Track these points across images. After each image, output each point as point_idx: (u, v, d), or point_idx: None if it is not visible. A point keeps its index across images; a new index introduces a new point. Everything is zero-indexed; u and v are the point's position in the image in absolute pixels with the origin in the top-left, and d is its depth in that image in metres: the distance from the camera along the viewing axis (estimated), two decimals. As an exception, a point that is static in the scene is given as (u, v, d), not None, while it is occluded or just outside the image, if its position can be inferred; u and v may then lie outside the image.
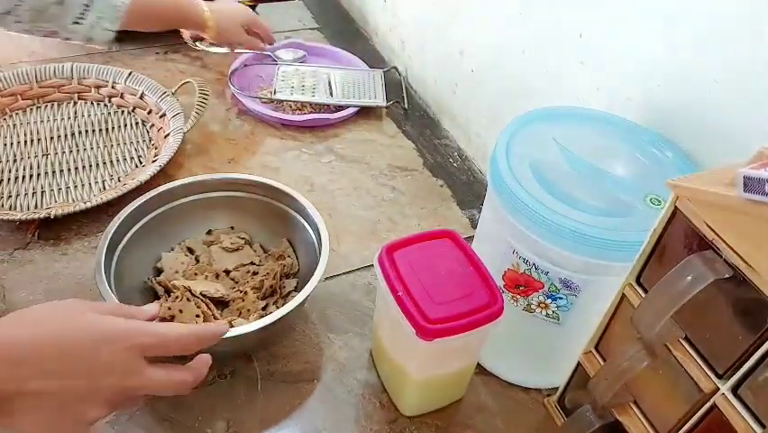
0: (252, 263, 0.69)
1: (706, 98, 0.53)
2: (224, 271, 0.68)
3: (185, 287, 0.62)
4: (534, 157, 0.54)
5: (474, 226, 0.81)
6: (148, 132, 0.89)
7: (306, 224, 0.68)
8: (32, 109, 0.90)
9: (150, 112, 0.90)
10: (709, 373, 0.40)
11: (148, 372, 0.41)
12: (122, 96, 0.92)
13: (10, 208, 0.76)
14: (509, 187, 0.50)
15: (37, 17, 0.71)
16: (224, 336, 0.54)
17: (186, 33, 1.01)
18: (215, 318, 0.61)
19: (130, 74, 0.92)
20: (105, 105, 0.93)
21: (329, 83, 1.00)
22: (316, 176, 0.86)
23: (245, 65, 1.03)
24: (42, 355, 0.38)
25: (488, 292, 0.52)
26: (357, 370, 0.63)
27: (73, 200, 0.78)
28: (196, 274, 0.66)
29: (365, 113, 0.98)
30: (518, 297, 0.56)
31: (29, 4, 0.69)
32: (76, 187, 0.80)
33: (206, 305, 0.62)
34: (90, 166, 0.83)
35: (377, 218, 0.81)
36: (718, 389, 0.39)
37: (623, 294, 0.46)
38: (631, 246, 0.45)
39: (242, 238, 0.71)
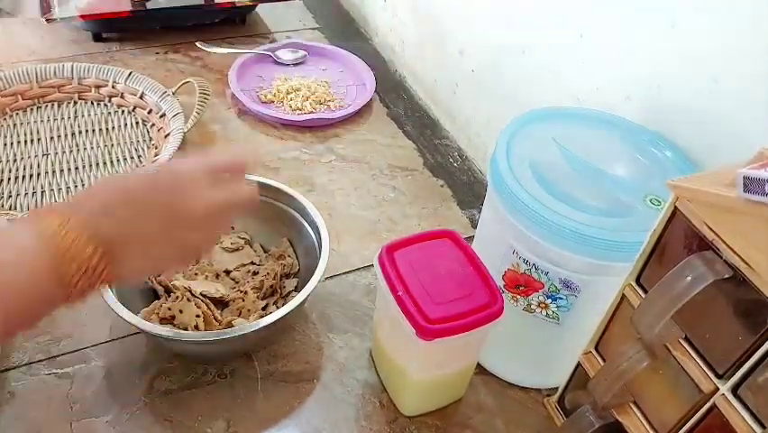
0: (252, 263, 0.69)
1: (706, 98, 0.53)
2: (225, 272, 0.68)
3: (185, 287, 0.62)
4: (534, 157, 0.54)
5: (474, 226, 0.81)
6: (148, 131, 0.89)
7: (306, 224, 0.68)
8: (32, 109, 0.90)
9: (150, 112, 0.90)
10: (709, 373, 0.40)
11: (207, 201, 0.44)
12: (122, 96, 0.92)
13: (10, 208, 0.76)
14: (509, 187, 0.50)
15: None
16: (225, 337, 0.55)
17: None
18: (216, 319, 0.61)
19: (130, 74, 0.92)
20: (106, 104, 0.93)
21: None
22: (316, 176, 0.86)
23: (245, 65, 1.03)
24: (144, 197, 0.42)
25: (488, 292, 0.53)
26: (357, 370, 0.63)
27: (73, 200, 0.78)
28: (196, 274, 0.67)
29: (365, 113, 0.99)
30: (518, 297, 0.56)
31: None
32: (76, 186, 0.80)
33: (207, 305, 0.62)
34: (90, 166, 0.83)
35: (377, 218, 0.81)
36: (718, 389, 0.39)
37: (623, 294, 0.46)
38: (631, 246, 0.45)
39: (243, 238, 0.71)
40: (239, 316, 0.63)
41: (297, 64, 1.06)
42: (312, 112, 0.96)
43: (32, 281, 0.37)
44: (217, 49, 1.02)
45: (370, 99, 0.99)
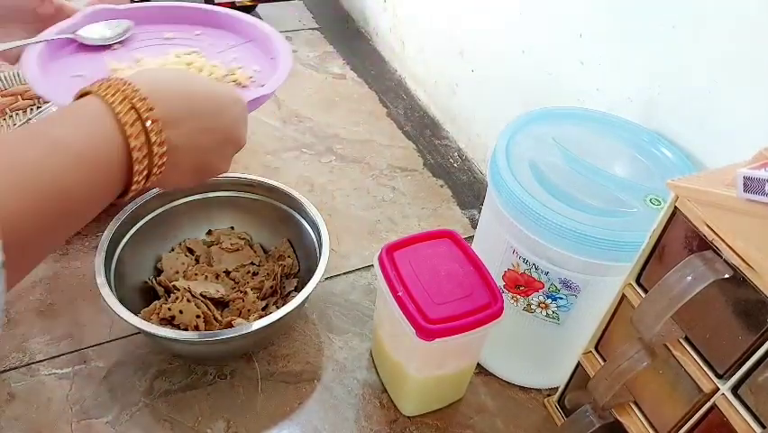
0: (252, 264, 0.69)
1: (706, 98, 0.53)
2: (224, 272, 0.68)
3: (185, 288, 0.62)
4: (534, 157, 0.54)
5: (474, 226, 0.81)
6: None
7: (306, 224, 0.68)
8: (32, 109, 0.90)
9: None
10: (709, 373, 0.40)
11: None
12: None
13: (10, 208, 0.75)
14: (509, 187, 0.50)
15: None
16: (225, 337, 0.55)
17: None
18: (216, 319, 0.61)
19: (130, 74, 0.91)
20: (105, 105, 0.92)
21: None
22: (316, 176, 0.86)
23: (46, 62, 0.67)
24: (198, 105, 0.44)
25: (488, 292, 0.53)
26: (357, 370, 0.63)
27: (73, 200, 0.78)
28: (196, 275, 0.67)
29: (367, 114, 0.98)
30: (518, 297, 0.56)
31: None
32: (76, 187, 0.80)
33: (206, 305, 0.62)
34: (90, 166, 0.83)
35: (377, 218, 0.81)
36: (718, 389, 0.39)
37: (623, 294, 0.46)
38: (631, 246, 0.45)
39: (243, 238, 0.71)
40: (239, 316, 0.63)
41: (122, 42, 0.72)
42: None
43: (106, 158, 0.38)
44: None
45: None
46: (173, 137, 0.41)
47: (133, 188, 0.40)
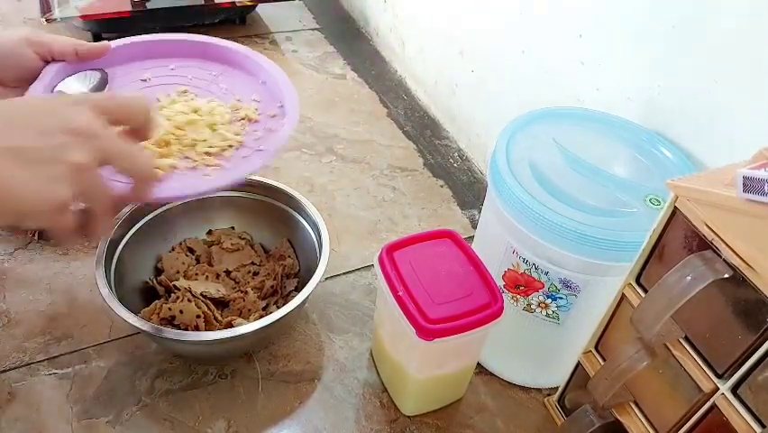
0: (253, 264, 0.69)
1: (706, 98, 0.53)
2: (225, 272, 0.68)
3: (185, 288, 0.62)
4: (534, 157, 0.54)
5: (474, 226, 0.81)
6: (148, 132, 0.89)
7: (306, 224, 0.68)
8: (32, 109, 0.90)
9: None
10: (709, 372, 0.40)
11: (111, 130, 0.38)
12: (122, 97, 0.92)
13: (10, 208, 0.76)
14: (509, 187, 0.50)
15: None
16: (225, 337, 0.55)
17: None
18: (216, 319, 0.61)
19: (130, 74, 0.91)
20: (106, 105, 0.92)
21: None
22: (317, 176, 0.86)
23: None
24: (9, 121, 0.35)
25: (488, 292, 0.53)
26: (357, 370, 0.63)
27: (73, 200, 0.78)
28: (196, 274, 0.67)
29: (367, 114, 0.99)
30: (518, 297, 0.56)
31: None
32: (76, 187, 0.80)
33: (207, 305, 0.62)
34: (90, 166, 0.83)
35: (377, 218, 0.81)
36: (718, 389, 0.39)
37: (623, 294, 0.46)
38: (631, 246, 0.45)
39: (243, 238, 0.71)
40: (239, 316, 0.63)
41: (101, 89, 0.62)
42: (219, 164, 0.55)
43: None
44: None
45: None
46: None
47: None
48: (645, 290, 0.44)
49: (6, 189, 0.35)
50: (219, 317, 0.62)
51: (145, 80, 0.63)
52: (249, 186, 0.70)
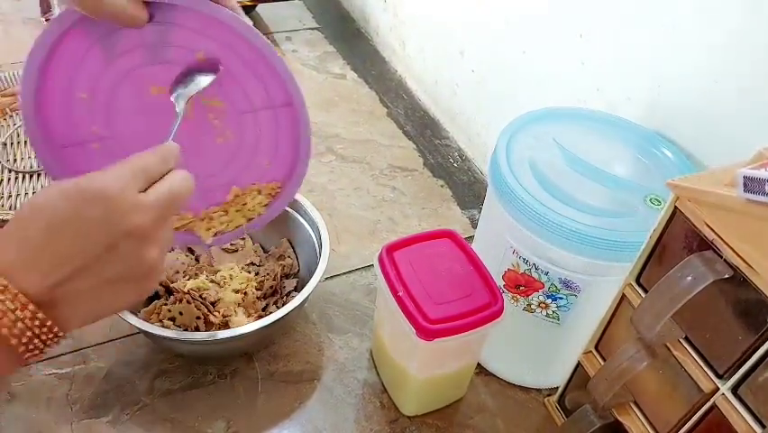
0: (252, 264, 0.69)
1: (706, 98, 0.53)
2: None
3: (184, 291, 0.62)
4: (534, 157, 0.54)
5: (474, 226, 0.81)
6: (148, 132, 0.89)
7: (306, 224, 0.68)
8: (32, 109, 0.90)
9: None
10: (709, 373, 0.40)
11: (157, 215, 0.37)
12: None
13: (10, 208, 0.76)
14: (509, 187, 0.50)
15: None
16: (224, 337, 0.55)
17: None
18: (216, 319, 0.61)
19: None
20: (106, 105, 0.92)
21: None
22: (317, 176, 0.86)
23: None
24: (58, 248, 0.34)
25: (488, 292, 0.53)
26: (357, 370, 0.63)
27: (73, 200, 0.78)
28: (196, 274, 0.67)
29: (367, 114, 0.98)
30: (518, 297, 0.56)
31: None
32: (76, 187, 0.80)
33: (206, 306, 0.62)
34: (90, 166, 0.83)
35: (377, 218, 0.81)
36: (718, 389, 0.39)
37: (623, 294, 0.46)
38: (631, 246, 0.45)
39: (243, 238, 0.71)
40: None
41: None
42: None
43: None
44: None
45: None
46: (41, 280, 0.33)
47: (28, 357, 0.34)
48: (645, 290, 0.44)
49: (109, 311, 0.37)
50: (219, 318, 0.62)
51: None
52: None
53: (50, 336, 0.34)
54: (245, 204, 0.56)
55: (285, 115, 0.52)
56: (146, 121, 0.51)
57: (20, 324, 0.32)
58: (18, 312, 0.32)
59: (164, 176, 0.39)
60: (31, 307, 0.32)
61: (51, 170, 0.52)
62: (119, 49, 0.47)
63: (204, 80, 0.48)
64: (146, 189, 0.37)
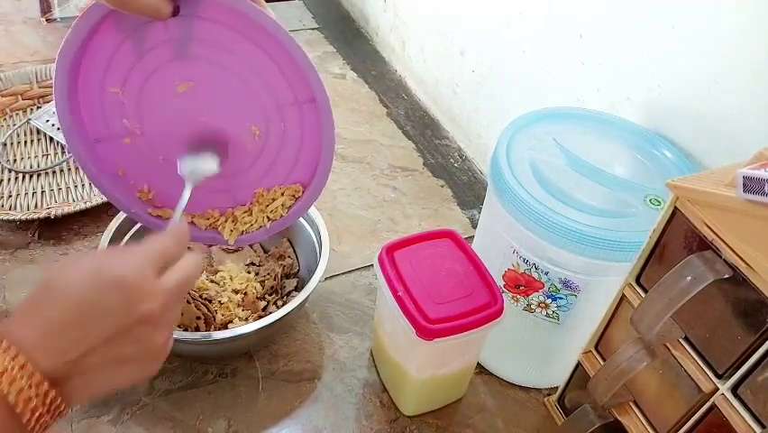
0: (253, 264, 0.69)
1: (706, 98, 0.53)
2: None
3: (185, 287, 0.62)
4: (534, 157, 0.54)
5: (474, 226, 0.81)
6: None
7: (306, 224, 0.68)
8: (32, 109, 0.90)
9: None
10: (709, 373, 0.40)
11: (168, 302, 0.39)
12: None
13: (10, 208, 0.76)
14: (510, 187, 0.50)
15: None
16: (225, 336, 0.55)
17: None
18: (216, 319, 0.61)
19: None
20: (106, 104, 0.92)
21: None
22: (317, 176, 0.86)
23: None
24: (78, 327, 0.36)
25: (488, 292, 0.53)
26: (357, 369, 0.64)
27: (73, 200, 0.78)
28: (196, 274, 0.66)
29: (367, 114, 0.98)
30: (518, 297, 0.56)
31: None
32: (76, 186, 0.80)
33: (206, 306, 0.62)
34: (91, 166, 0.83)
35: (377, 218, 0.81)
36: (718, 389, 0.39)
37: (623, 294, 0.46)
38: (631, 246, 0.45)
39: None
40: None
41: None
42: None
43: None
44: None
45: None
46: (58, 360, 0.34)
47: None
48: (645, 291, 0.44)
49: (113, 387, 0.38)
50: (219, 318, 0.62)
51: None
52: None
53: (57, 412, 0.35)
54: (268, 205, 0.57)
55: (309, 113, 0.53)
56: (173, 119, 0.52)
57: (33, 402, 0.33)
58: (33, 390, 0.33)
59: (179, 259, 0.41)
60: (45, 385, 0.33)
61: (84, 165, 0.54)
62: (148, 44, 0.48)
63: (209, 168, 0.50)
64: (162, 272, 0.39)
